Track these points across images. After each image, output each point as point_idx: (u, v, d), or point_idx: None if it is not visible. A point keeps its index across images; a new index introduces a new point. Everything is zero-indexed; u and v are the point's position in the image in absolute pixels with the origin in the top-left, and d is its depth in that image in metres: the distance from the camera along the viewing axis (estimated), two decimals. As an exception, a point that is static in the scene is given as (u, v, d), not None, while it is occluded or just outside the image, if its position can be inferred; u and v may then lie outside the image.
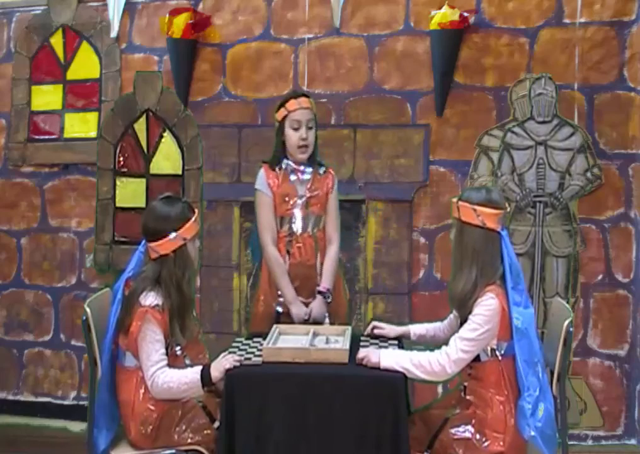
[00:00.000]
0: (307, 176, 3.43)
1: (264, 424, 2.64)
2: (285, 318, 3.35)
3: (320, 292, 3.38)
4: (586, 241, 4.17)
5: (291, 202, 3.40)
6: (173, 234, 2.86)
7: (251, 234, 3.96)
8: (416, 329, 3.11)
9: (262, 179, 3.42)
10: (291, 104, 3.38)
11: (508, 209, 3.11)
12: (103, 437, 2.90)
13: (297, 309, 3.35)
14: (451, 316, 3.01)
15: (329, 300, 3.38)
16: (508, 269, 2.73)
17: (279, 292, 3.39)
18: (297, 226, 3.42)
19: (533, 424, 2.64)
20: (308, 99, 3.42)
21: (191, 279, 2.96)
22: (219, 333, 4.29)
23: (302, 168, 3.42)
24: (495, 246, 2.76)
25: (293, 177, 3.42)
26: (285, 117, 3.38)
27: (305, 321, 3.31)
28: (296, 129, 3.37)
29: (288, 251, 3.40)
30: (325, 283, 3.40)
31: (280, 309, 3.40)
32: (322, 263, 3.43)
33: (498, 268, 2.74)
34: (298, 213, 3.41)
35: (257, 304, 3.56)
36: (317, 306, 3.36)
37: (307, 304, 3.38)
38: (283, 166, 3.42)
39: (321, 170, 3.46)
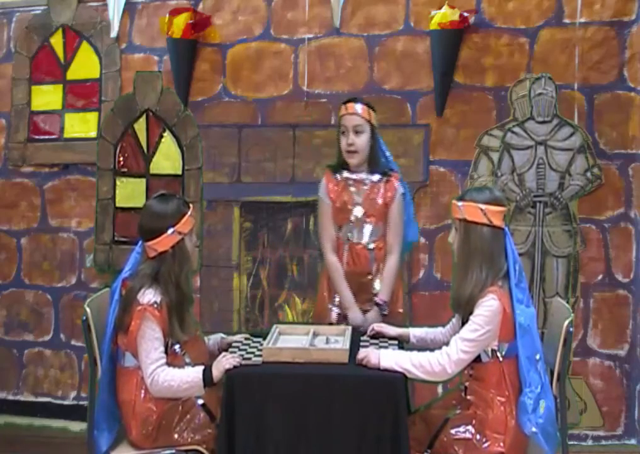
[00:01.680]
0: (365, 186, 3.38)
1: (264, 424, 2.64)
2: (342, 321, 3.35)
3: (377, 304, 3.37)
4: (586, 241, 4.17)
5: (348, 211, 3.38)
6: (170, 230, 2.86)
7: None
8: (416, 331, 3.11)
9: (323, 186, 3.42)
10: (341, 110, 3.40)
11: (509, 206, 3.11)
12: (105, 439, 2.89)
13: (354, 314, 3.35)
14: (453, 320, 3.00)
15: (385, 312, 3.37)
16: (512, 265, 2.74)
17: (336, 297, 3.40)
18: (353, 236, 3.39)
19: (535, 420, 2.65)
20: (357, 105, 3.34)
21: (189, 275, 2.96)
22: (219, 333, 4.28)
23: (361, 176, 3.39)
24: (501, 243, 2.77)
25: (351, 185, 3.39)
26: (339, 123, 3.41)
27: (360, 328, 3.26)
28: (344, 134, 3.36)
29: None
30: (382, 295, 3.38)
31: (337, 311, 3.41)
32: (379, 272, 3.39)
33: (503, 266, 2.75)
34: (354, 222, 3.38)
35: (315, 310, 3.63)
36: (372, 317, 3.34)
37: (362, 310, 3.37)
38: (343, 174, 3.40)
39: (382, 179, 3.39)
